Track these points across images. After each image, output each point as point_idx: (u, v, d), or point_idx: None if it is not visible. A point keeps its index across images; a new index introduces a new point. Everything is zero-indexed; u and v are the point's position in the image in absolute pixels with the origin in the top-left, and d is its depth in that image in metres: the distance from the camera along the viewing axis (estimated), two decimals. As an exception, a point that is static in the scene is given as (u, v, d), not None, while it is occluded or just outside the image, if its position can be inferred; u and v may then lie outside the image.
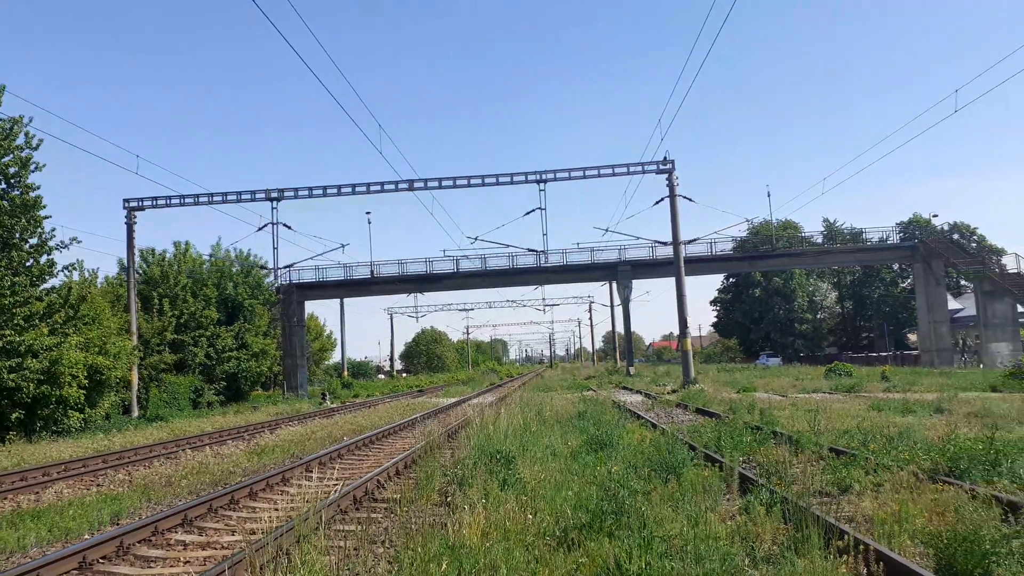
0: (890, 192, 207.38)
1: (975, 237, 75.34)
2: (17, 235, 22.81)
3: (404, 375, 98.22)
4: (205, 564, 7.56)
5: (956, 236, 70.53)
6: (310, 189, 38.66)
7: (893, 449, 10.82)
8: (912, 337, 76.38)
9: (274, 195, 38.60)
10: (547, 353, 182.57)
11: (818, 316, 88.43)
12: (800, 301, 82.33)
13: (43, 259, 23.79)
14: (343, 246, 58.25)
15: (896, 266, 79.54)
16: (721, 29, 18.45)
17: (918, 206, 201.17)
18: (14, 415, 22.02)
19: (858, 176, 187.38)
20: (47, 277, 24.28)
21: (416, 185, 37.35)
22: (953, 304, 67.63)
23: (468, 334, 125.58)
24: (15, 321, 21.66)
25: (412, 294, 66.04)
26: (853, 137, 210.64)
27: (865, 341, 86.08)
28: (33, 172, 23.38)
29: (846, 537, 6.07)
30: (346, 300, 68.74)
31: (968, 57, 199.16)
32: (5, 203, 22.28)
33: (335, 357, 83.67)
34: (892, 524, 6.90)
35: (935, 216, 72.37)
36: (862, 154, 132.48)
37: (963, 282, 75.15)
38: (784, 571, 5.34)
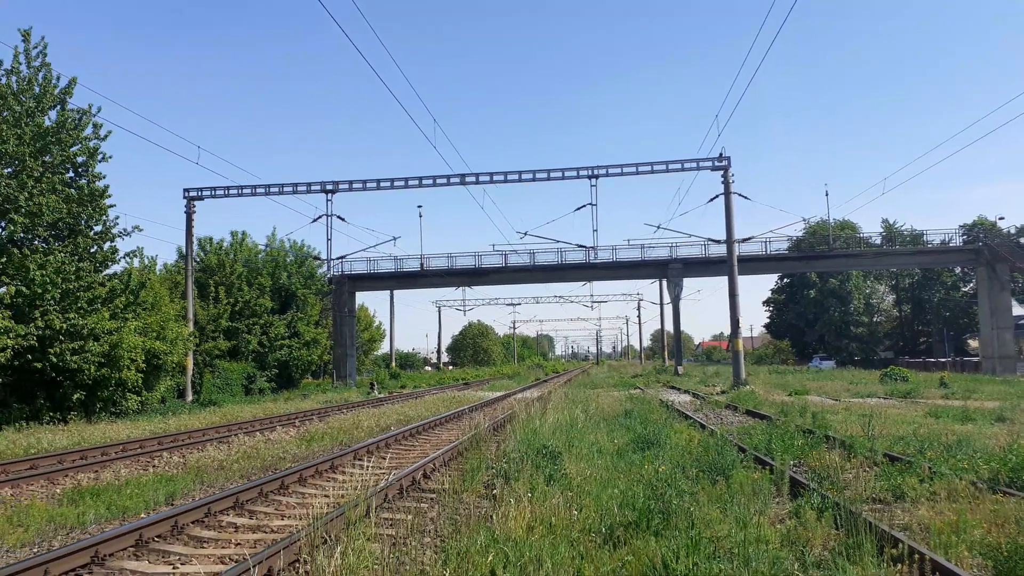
0: (954, 194, 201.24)
1: (1043, 241, 72.60)
2: (83, 222, 23.59)
3: (450, 368, 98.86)
4: (255, 547, 7.71)
5: (1023, 239, 67.99)
6: (364, 182, 39.11)
7: (951, 457, 10.50)
8: (973, 343, 74.00)
9: (329, 187, 39.16)
10: (593, 350, 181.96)
11: (874, 319, 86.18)
12: (856, 303, 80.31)
13: (106, 246, 24.57)
14: (395, 239, 58.21)
15: (958, 270, 77.10)
16: (783, 26, 18.09)
17: (982, 208, 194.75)
18: (76, 396, 22.81)
19: (921, 176, 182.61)
20: (110, 263, 25.08)
21: (468, 179, 37.51)
22: (1018, 310, 65.33)
23: (515, 329, 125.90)
24: (79, 305, 22.41)
25: (460, 288, 66.36)
26: (917, 137, 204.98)
27: (923, 346, 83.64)
28: (100, 162, 24.14)
29: (900, 545, 5.91)
30: (396, 292, 69.51)
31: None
32: (73, 191, 23.03)
33: (384, 348, 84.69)
34: (949, 534, 6.70)
35: (1001, 219, 70.16)
36: (927, 153, 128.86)
37: (1029, 287, 72.58)
38: (835, 577, 5.23)
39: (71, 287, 21.94)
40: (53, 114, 23.02)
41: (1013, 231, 70.88)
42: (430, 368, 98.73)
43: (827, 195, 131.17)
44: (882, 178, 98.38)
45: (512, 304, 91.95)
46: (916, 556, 5.70)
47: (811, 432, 13.77)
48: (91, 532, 8.44)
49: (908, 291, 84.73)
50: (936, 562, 5.68)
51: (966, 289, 77.86)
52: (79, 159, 23.57)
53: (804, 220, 55.97)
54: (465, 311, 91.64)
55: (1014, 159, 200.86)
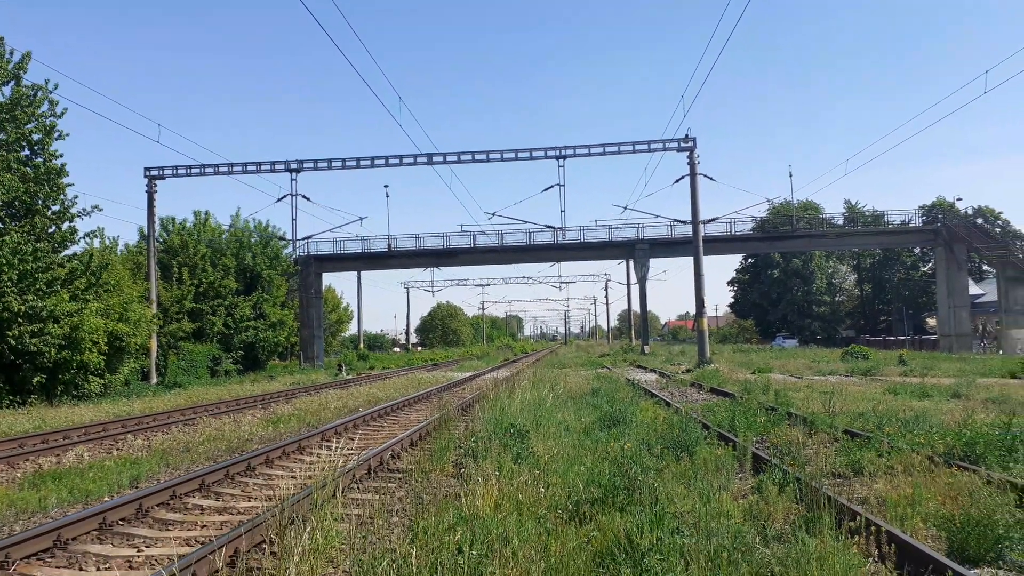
0: (914, 175, 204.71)
1: (999, 222, 74.44)
2: (40, 202, 23.06)
3: (419, 349, 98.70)
4: (222, 528, 7.68)
5: (980, 220, 69.66)
6: (329, 161, 38.67)
7: (908, 432, 10.76)
8: (931, 322, 75.76)
9: (293, 166, 38.68)
10: (562, 330, 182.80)
11: (836, 299, 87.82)
12: (819, 283, 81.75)
13: (65, 226, 24.08)
14: (361, 219, 58.59)
15: (917, 250, 78.75)
16: (747, 6, 18.14)
17: (942, 189, 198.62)
18: (36, 379, 22.38)
19: (882, 158, 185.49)
20: (69, 244, 24.59)
21: (435, 159, 37.26)
22: (974, 289, 66.94)
23: (483, 309, 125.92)
24: (37, 286, 21.94)
25: (429, 268, 66.21)
26: (878, 119, 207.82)
27: (883, 325, 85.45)
28: (57, 140, 23.57)
29: (858, 518, 6.06)
30: (363, 273, 69.12)
31: (998, 38, 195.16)
32: (29, 170, 22.49)
33: (352, 329, 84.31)
34: (905, 507, 6.89)
35: (959, 200, 71.36)
36: (887, 135, 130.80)
37: (985, 267, 74.37)
38: (795, 550, 5.34)
39: (28, 268, 21.46)
40: (7, 90, 22.41)
41: (970, 212, 72.53)
42: (399, 349, 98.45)
43: (791, 176, 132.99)
44: (844, 159, 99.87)
45: (481, 285, 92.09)
46: (873, 528, 5.85)
47: (774, 409, 14.01)
48: (53, 516, 8.33)
49: (869, 271, 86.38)
50: (892, 533, 5.84)
51: (925, 269, 79.60)
52: (35, 137, 23.01)
53: (768, 201, 56.71)
54: (434, 292, 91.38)
55: (973, 141, 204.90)
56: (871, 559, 5.58)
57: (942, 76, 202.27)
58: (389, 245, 56.46)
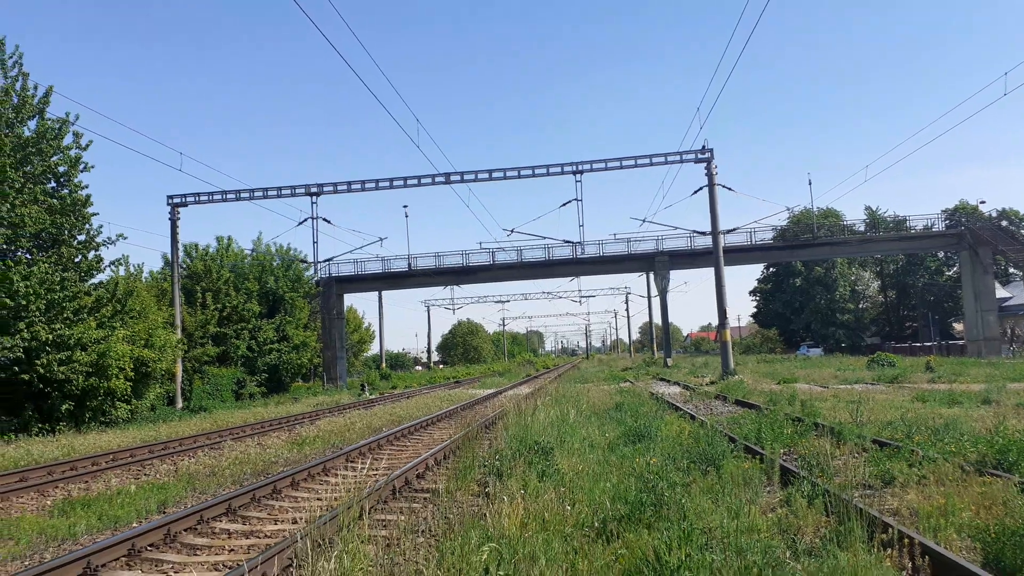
0: (936, 179, 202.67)
1: (1025, 224, 73.24)
2: (66, 232, 23.45)
3: (441, 367, 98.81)
4: (249, 552, 7.71)
5: (1004, 223, 68.57)
6: (349, 184, 39.03)
7: (939, 441, 10.60)
8: (958, 327, 74.66)
9: (314, 190, 39.07)
10: (583, 345, 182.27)
11: (860, 306, 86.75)
12: (842, 291, 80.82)
13: (91, 255, 24.45)
14: (381, 240, 58.20)
15: (941, 254, 77.70)
16: (761, 15, 18.14)
17: (965, 193, 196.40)
18: (64, 406, 22.66)
19: (903, 163, 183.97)
20: (95, 272, 24.96)
21: (453, 178, 37.48)
22: (1001, 292, 65.93)
23: (504, 326, 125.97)
24: (64, 315, 22.27)
25: (449, 287, 66.35)
26: (898, 124, 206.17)
27: (909, 331, 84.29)
28: (82, 171, 23.98)
29: (890, 530, 5.97)
30: (384, 293, 69.41)
31: (1018, 40, 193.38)
32: (55, 201, 22.87)
33: (373, 349, 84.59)
34: (938, 517, 6.77)
35: (982, 203, 70.35)
36: (907, 139, 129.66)
37: (1012, 270, 73.25)
38: (827, 564, 5.27)
39: (56, 297, 21.79)
40: (32, 124, 22.85)
41: (994, 214, 71.48)
42: (420, 368, 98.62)
43: (810, 184, 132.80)
44: (864, 165, 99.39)
45: (501, 301, 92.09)
46: (906, 540, 5.76)
47: (800, 420, 13.86)
48: (83, 543, 8.41)
49: (893, 277, 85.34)
50: (925, 546, 5.74)
51: (950, 273, 78.47)
52: (60, 169, 23.42)
53: (788, 209, 56.24)
54: (454, 310, 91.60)
55: (994, 143, 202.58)
56: (904, 572, 5.49)
57: (961, 79, 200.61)
58: (409, 264, 56.69)
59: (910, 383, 26.50)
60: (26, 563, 7.65)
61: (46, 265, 21.93)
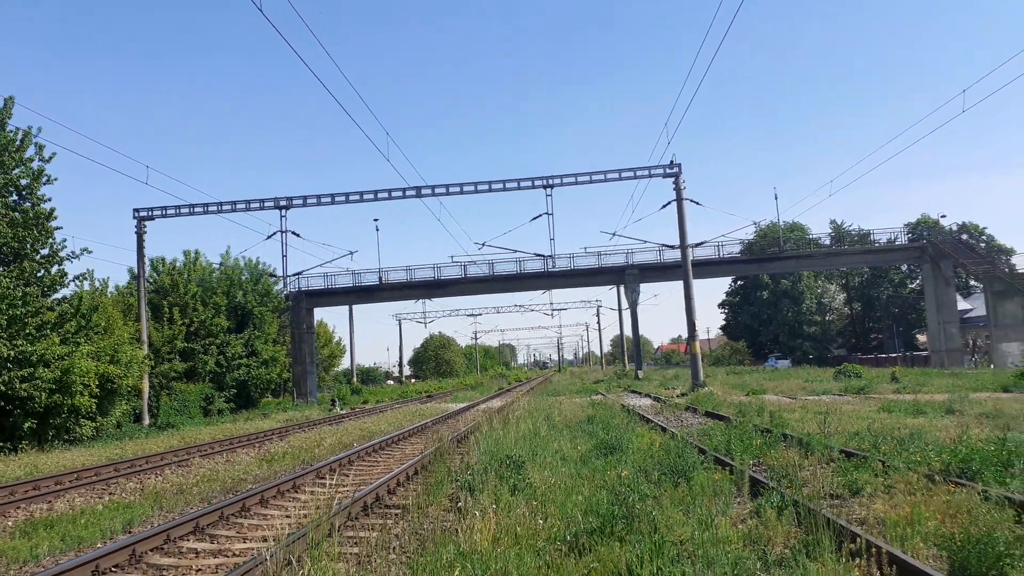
0: (898, 194, 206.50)
1: (984, 237, 74.97)
2: (28, 246, 23.00)
3: (413, 380, 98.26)
4: (217, 572, 7.59)
5: (965, 236, 70.13)
6: (318, 197, 38.76)
7: (904, 451, 10.78)
8: (922, 338, 75.99)
9: (283, 203, 38.73)
10: (555, 357, 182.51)
11: (827, 318, 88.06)
12: (808, 303, 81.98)
13: (54, 269, 24.00)
14: (351, 253, 57.94)
15: (905, 267, 79.20)
16: (727, 32, 18.44)
17: (926, 207, 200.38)
18: (26, 424, 22.15)
19: (866, 178, 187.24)
20: (58, 287, 24.50)
21: (424, 192, 37.40)
22: (963, 304, 67.27)
23: (476, 339, 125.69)
24: (27, 331, 21.80)
25: (420, 300, 66.05)
26: (861, 139, 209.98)
27: (874, 342, 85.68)
28: (45, 184, 23.58)
29: (858, 540, 6.05)
30: (355, 307, 68.82)
31: (975, 57, 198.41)
32: (17, 215, 22.46)
33: (344, 363, 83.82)
34: (904, 526, 6.88)
35: (943, 216, 72.06)
36: (870, 155, 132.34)
37: (972, 282, 74.79)
38: (796, 575, 5.33)
39: (18, 313, 21.34)
40: (-8, 136, 22.45)
41: (955, 228, 73.08)
42: (392, 382, 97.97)
43: (776, 198, 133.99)
44: (829, 180, 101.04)
45: (473, 315, 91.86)
46: (873, 549, 5.84)
47: (769, 431, 14.01)
48: (45, 565, 8.21)
49: (858, 289, 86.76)
50: (892, 555, 5.82)
51: (913, 286, 79.97)
52: (23, 182, 23.01)
53: (755, 223, 56.86)
54: (426, 323, 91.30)
55: (954, 158, 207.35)
56: (872, 581, 5.56)
57: (922, 95, 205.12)
58: (380, 278, 56.43)
59: (876, 394, 26.91)
60: (-14, 586, 7.46)
61: (7, 280, 21.49)
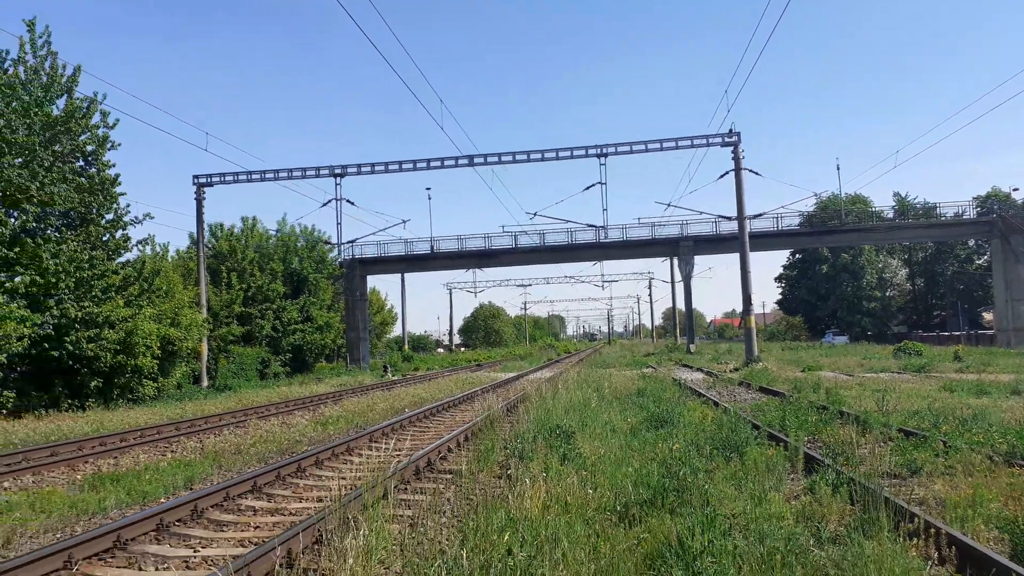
0: (967, 167, 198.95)
1: (1058, 212, 71.81)
2: (95, 211, 23.74)
3: (462, 349, 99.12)
4: (275, 529, 7.81)
5: (1037, 211, 67.23)
6: (372, 165, 39.09)
7: (966, 431, 10.48)
8: (987, 316, 73.49)
9: (338, 171, 39.17)
10: (605, 329, 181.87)
11: (887, 294, 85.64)
12: (869, 278, 79.82)
13: (118, 234, 24.76)
14: (404, 222, 58.59)
15: (972, 242, 76.46)
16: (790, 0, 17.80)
17: (997, 180, 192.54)
18: (93, 383, 23.05)
19: (934, 150, 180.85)
20: (122, 251, 25.30)
21: (476, 160, 37.37)
22: (1033, 282, 64.66)
23: (526, 309, 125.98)
24: (93, 293, 22.60)
25: (471, 269, 66.39)
26: (930, 110, 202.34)
27: (937, 320, 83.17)
28: (109, 150, 24.24)
29: (916, 520, 5.91)
30: (407, 275, 69.68)
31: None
32: (83, 180, 23.13)
33: (396, 331, 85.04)
34: (965, 508, 6.70)
35: (1015, 190, 68.99)
36: (939, 125, 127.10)
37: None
38: (851, 552, 5.23)
39: (85, 275, 22.10)
40: (61, 103, 23.07)
41: (1027, 202, 70.08)
42: (442, 350, 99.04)
43: (838, 169, 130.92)
44: (894, 151, 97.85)
45: (523, 285, 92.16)
46: (932, 530, 5.70)
47: (825, 408, 13.75)
48: (112, 517, 8.56)
49: (921, 265, 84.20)
50: (952, 536, 5.68)
51: (980, 262, 77.27)
52: (88, 148, 23.66)
53: (815, 195, 55.61)
54: (476, 293, 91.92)
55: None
56: (931, 563, 5.44)
57: (993, 64, 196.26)
58: (432, 247, 56.81)
59: (937, 372, 26.18)
60: (58, 535, 7.82)
61: (75, 243, 22.23)
